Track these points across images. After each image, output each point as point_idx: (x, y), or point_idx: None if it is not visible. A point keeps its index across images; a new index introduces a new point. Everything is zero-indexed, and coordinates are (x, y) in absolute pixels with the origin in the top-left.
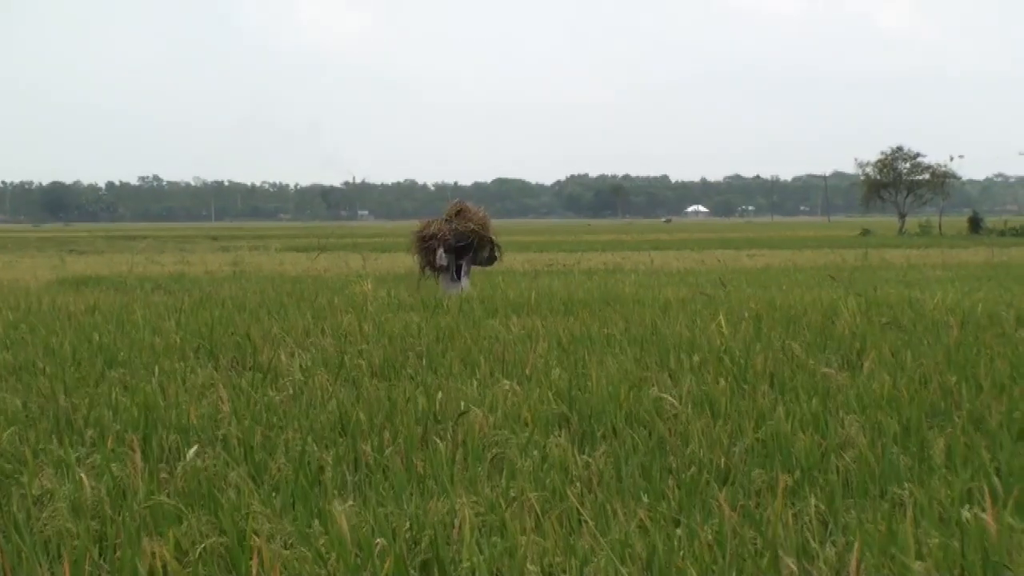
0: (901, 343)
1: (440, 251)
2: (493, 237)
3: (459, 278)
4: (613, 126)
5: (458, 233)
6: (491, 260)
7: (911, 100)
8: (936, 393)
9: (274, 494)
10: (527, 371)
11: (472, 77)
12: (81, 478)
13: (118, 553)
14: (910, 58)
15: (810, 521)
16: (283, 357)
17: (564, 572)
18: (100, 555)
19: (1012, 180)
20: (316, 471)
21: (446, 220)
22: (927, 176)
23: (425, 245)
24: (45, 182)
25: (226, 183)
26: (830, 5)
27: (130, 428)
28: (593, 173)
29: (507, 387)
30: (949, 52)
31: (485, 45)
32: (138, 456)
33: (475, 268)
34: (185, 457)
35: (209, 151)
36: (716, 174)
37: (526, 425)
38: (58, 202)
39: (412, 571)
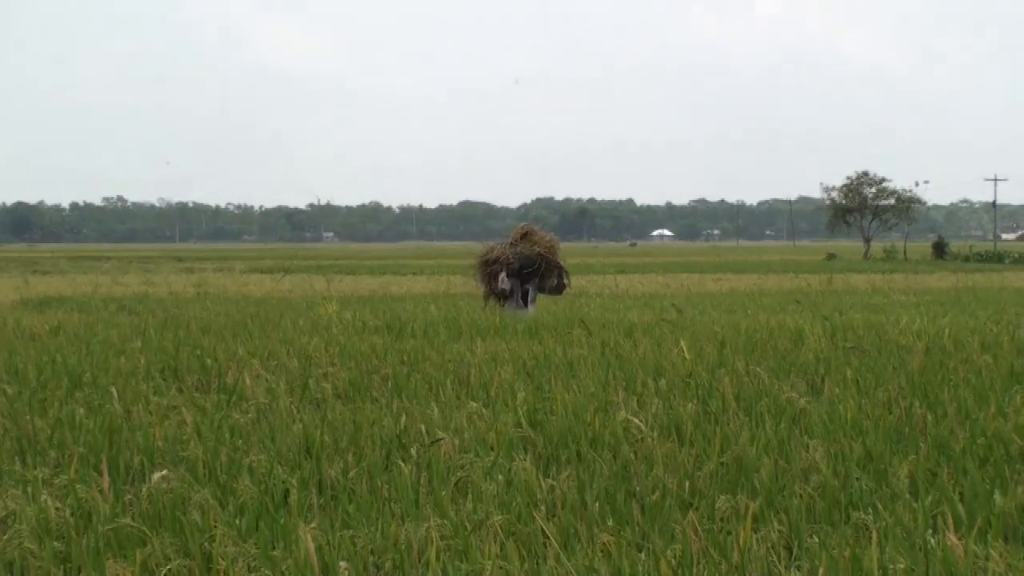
0: (866, 368)
1: (502, 275)
2: (561, 262)
3: (525, 304)
4: (578, 149)
5: (523, 257)
6: (560, 288)
7: (877, 126)
8: (900, 419)
9: (239, 516)
10: (492, 394)
11: (437, 99)
12: (45, 499)
13: (82, 575)
14: (876, 84)
15: (774, 546)
16: (248, 379)
17: None
18: None
19: (977, 206)
20: (281, 494)
21: (511, 244)
22: (892, 201)
23: (488, 270)
24: (8, 202)
25: (190, 204)
26: (796, 33)
27: (94, 449)
28: (559, 196)
29: (473, 409)
30: (915, 79)
31: (451, 67)
32: (105, 478)
33: (542, 296)
34: (150, 479)
35: (173, 172)
36: (681, 198)
37: (491, 448)
38: (22, 222)
39: None
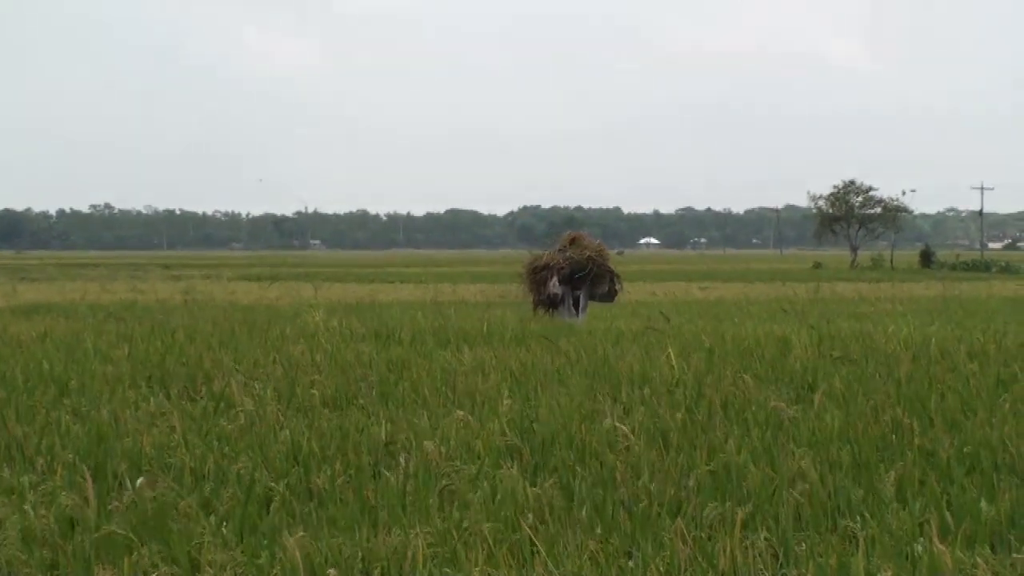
0: (853, 377)
1: (553, 280)
2: (613, 267)
3: (576, 312)
4: (566, 157)
5: (574, 262)
6: (611, 294)
7: (864, 134)
8: (887, 427)
9: (225, 524)
10: (479, 401)
11: (424, 107)
12: (30, 507)
13: None
14: (863, 93)
15: (762, 554)
16: (235, 387)
17: None
18: None
19: (964, 214)
20: (268, 501)
21: (559, 250)
22: (879, 210)
23: (537, 277)
24: None
25: (178, 212)
26: (782, 42)
27: (82, 456)
28: (546, 204)
29: (459, 417)
30: (902, 88)
31: (437, 75)
32: (90, 485)
33: (592, 303)
34: (134, 486)
35: (161, 179)
36: (668, 206)
37: (478, 456)
38: (9, 229)
39: None
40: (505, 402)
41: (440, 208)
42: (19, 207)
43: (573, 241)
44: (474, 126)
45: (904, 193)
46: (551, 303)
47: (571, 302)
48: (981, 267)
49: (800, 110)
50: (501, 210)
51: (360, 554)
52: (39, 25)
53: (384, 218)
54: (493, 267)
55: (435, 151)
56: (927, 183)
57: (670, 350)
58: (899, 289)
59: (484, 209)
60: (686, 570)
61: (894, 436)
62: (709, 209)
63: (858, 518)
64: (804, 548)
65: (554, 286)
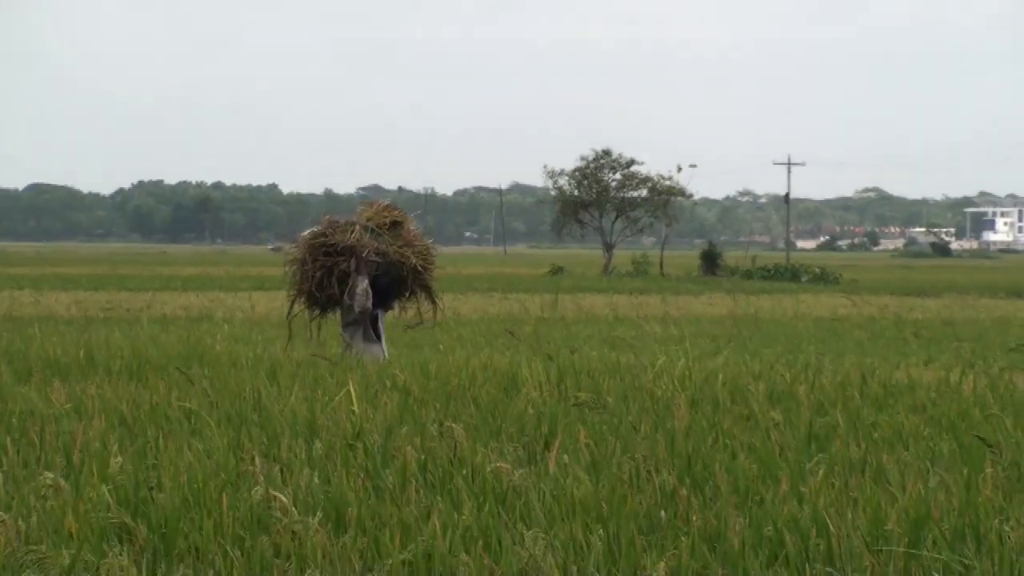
0: (606, 428)
1: (363, 282)
2: (432, 281)
3: (377, 336)
4: (201, 117)
5: (387, 262)
6: (419, 320)
7: (621, 99)
8: (655, 499)
9: None
10: (76, 459)
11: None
12: None
13: None
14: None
15: None
16: None
17: None
18: None
19: (763, 200)
20: None
21: (371, 231)
22: (645, 192)
23: (325, 262)
24: None
25: None
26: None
27: None
28: (171, 179)
29: (47, 482)
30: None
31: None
32: None
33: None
34: None
35: None
36: (346, 185)
37: (72, 538)
38: None
39: None
40: (114, 460)
41: (17, 184)
42: None
43: (395, 225)
44: (63, 74)
45: (680, 169)
46: (361, 314)
47: (367, 320)
48: (787, 275)
49: (535, 67)
50: (106, 188)
51: None
52: None
53: None
54: (97, 268)
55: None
56: (711, 156)
57: (350, 388)
58: (673, 304)
59: (82, 186)
60: None
61: (664, 512)
62: (400, 189)
63: None
64: None
65: (362, 293)
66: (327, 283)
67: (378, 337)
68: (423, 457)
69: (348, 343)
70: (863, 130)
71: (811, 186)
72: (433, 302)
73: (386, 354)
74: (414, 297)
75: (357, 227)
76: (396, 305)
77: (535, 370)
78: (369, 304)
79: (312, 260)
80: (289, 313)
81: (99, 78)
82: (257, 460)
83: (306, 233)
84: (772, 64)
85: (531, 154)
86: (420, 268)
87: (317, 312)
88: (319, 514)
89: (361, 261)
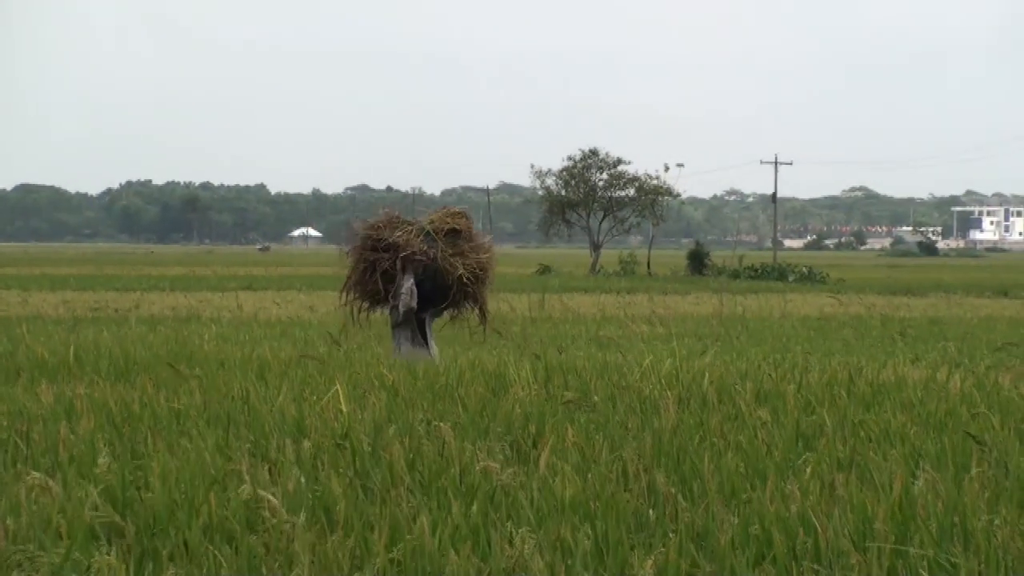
0: (594, 427)
1: (407, 281)
2: (481, 294)
3: (425, 340)
4: (189, 117)
5: (435, 269)
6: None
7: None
8: (643, 498)
9: None
10: (64, 460)
11: None
12: None
13: None
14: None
15: None
16: None
17: None
18: None
19: (750, 199)
20: None
21: (425, 234)
22: (632, 192)
23: (373, 257)
24: None
25: None
26: None
27: None
28: (159, 179)
29: (35, 482)
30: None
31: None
32: None
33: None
34: None
35: None
36: (335, 185)
37: (61, 537)
38: None
39: None
40: (102, 460)
41: (5, 184)
42: None
43: (450, 233)
44: (51, 75)
45: (667, 169)
46: (405, 315)
47: (415, 323)
48: (774, 274)
49: (515, 67)
50: (94, 188)
51: None
52: None
53: None
54: (84, 268)
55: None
56: (699, 156)
57: (338, 388)
58: (660, 304)
59: (69, 186)
60: None
61: (652, 510)
62: (389, 188)
63: None
64: None
65: (407, 293)
66: (369, 278)
67: (425, 341)
68: (412, 456)
69: (397, 346)
70: (850, 129)
71: (798, 185)
72: (483, 316)
73: (436, 359)
74: (463, 306)
75: (409, 227)
76: (447, 313)
77: (522, 370)
78: (414, 304)
79: (359, 252)
80: (343, 303)
81: (87, 78)
82: (246, 459)
83: (362, 223)
84: (759, 63)
85: (518, 154)
86: (467, 280)
87: (366, 306)
88: (308, 514)
89: (406, 261)
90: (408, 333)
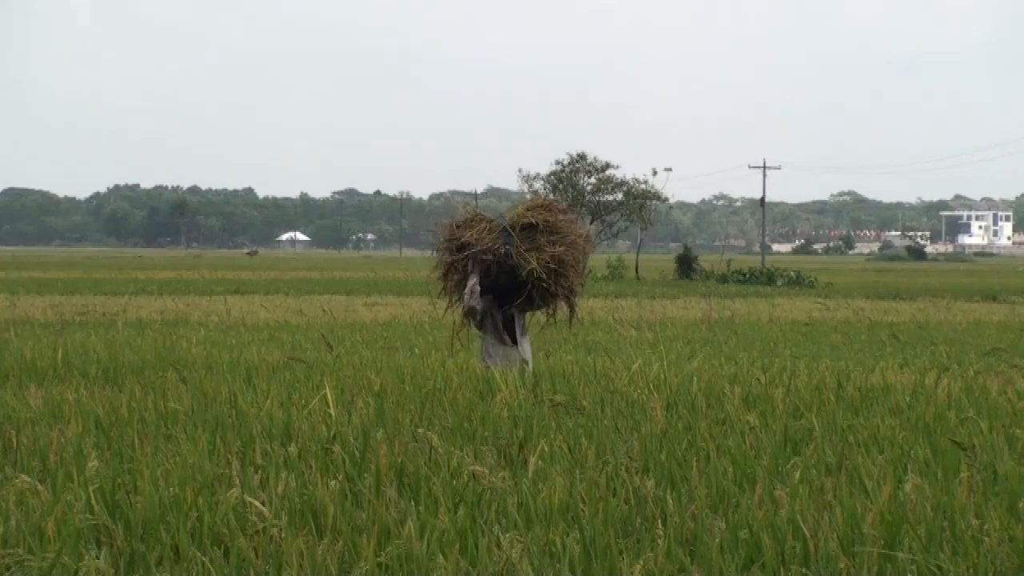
0: (581, 431)
1: (471, 280)
2: (562, 288)
3: (514, 340)
4: (177, 121)
5: (507, 259)
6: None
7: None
8: (631, 502)
9: None
10: (53, 463)
11: None
12: None
13: None
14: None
15: None
16: None
17: None
18: None
19: (738, 203)
20: None
21: (500, 230)
22: (620, 196)
23: (453, 257)
24: None
25: None
26: None
27: None
28: (147, 183)
29: (24, 486)
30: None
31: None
32: None
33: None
34: None
35: None
36: (322, 188)
37: (49, 541)
38: None
39: None
40: (91, 464)
41: None
42: None
43: (526, 227)
44: (39, 79)
45: (655, 173)
46: (469, 314)
47: (500, 323)
48: (762, 278)
49: (504, 73)
50: (82, 191)
51: None
52: None
53: None
54: (72, 272)
55: None
56: (687, 161)
57: (326, 392)
58: (648, 308)
59: (58, 190)
60: None
61: (640, 515)
62: (378, 193)
63: None
64: None
65: (470, 292)
66: (450, 278)
67: (514, 340)
68: (400, 460)
69: (484, 348)
70: (838, 134)
71: (786, 190)
72: (571, 310)
73: (528, 362)
74: (548, 302)
75: (484, 224)
76: (539, 312)
77: (510, 374)
78: (475, 304)
79: (440, 255)
80: (446, 308)
81: (75, 82)
82: (233, 464)
83: (442, 224)
84: (748, 68)
85: (506, 158)
86: (541, 274)
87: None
88: (295, 517)
89: (474, 260)
90: (491, 335)
